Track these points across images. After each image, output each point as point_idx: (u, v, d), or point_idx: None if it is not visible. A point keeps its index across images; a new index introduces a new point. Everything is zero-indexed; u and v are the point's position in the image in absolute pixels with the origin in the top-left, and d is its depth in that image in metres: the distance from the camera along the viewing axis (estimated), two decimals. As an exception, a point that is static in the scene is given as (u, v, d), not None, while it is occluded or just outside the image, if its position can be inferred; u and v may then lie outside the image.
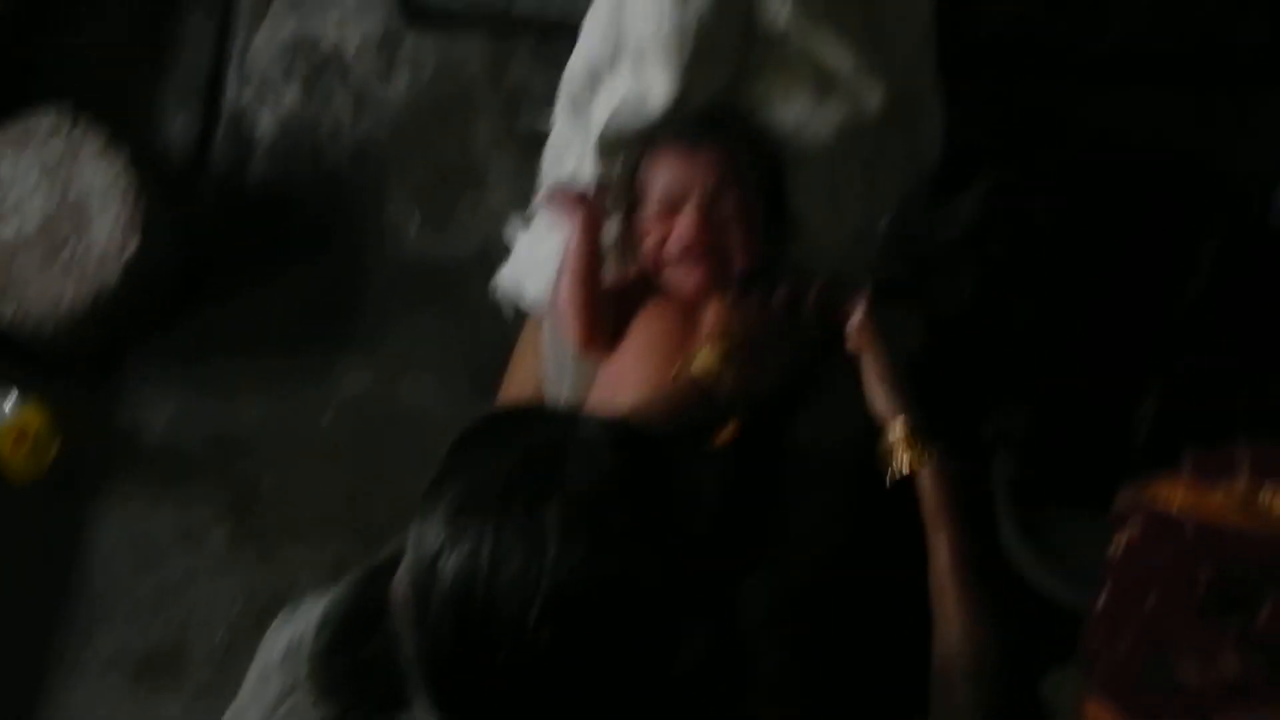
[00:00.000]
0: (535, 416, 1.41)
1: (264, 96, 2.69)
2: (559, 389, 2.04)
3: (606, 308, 1.95)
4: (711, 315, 1.92)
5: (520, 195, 2.36)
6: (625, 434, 1.35)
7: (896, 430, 1.75)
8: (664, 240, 1.94)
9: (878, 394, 1.79)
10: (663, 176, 1.96)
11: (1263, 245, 1.39)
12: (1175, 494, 1.39)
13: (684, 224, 1.92)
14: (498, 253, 2.39)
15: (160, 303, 2.59)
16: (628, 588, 1.25)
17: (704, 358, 1.80)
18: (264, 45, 2.71)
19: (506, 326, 2.27)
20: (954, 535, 1.68)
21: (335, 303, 2.60)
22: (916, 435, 1.74)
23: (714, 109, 2.00)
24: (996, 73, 2.28)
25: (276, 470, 2.53)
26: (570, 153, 2.15)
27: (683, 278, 1.94)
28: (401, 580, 1.31)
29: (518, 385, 2.09)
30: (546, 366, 2.06)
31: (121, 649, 2.45)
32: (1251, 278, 1.35)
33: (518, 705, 1.25)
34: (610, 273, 2.03)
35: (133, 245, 2.44)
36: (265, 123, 2.68)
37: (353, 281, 2.60)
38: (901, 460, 1.73)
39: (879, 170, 2.00)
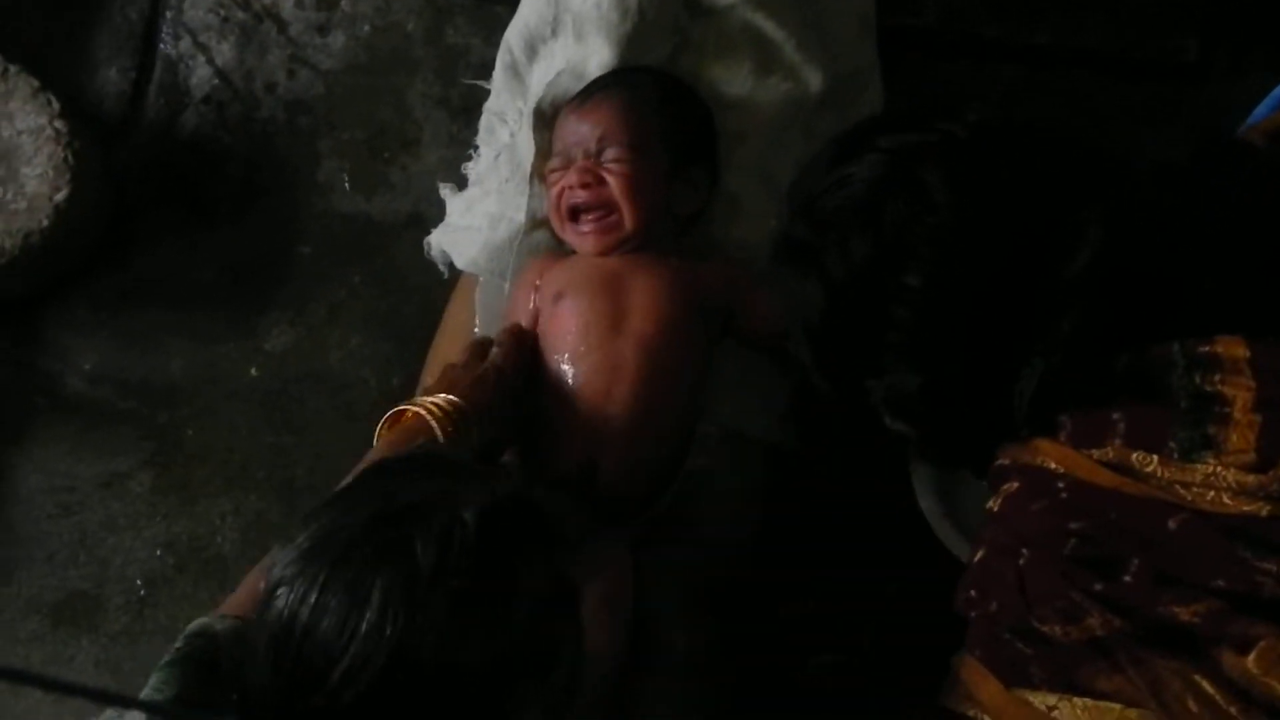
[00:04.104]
0: (438, 469, 1.35)
1: (199, 49, 2.67)
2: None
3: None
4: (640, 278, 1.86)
5: (454, 158, 2.38)
6: (504, 514, 1.29)
7: None
8: (560, 195, 1.90)
9: None
10: (560, 131, 1.94)
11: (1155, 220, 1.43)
12: (1052, 452, 1.42)
13: (567, 179, 1.88)
14: (429, 215, 2.41)
15: (88, 250, 2.57)
16: (435, 669, 1.22)
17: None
18: (200, -3, 2.70)
19: (434, 289, 2.28)
20: None
21: (264, 258, 2.58)
22: None
23: (633, 66, 1.97)
24: (931, 59, 2.34)
25: (200, 422, 2.52)
26: (506, 120, 2.17)
27: (575, 238, 1.91)
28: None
29: (450, 340, 2.08)
30: (479, 326, 2.05)
31: (41, 592, 2.44)
32: (1140, 249, 1.40)
33: None
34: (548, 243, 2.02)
35: (64, 191, 2.43)
36: (199, 75, 2.66)
37: (282, 237, 2.58)
38: None
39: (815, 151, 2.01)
